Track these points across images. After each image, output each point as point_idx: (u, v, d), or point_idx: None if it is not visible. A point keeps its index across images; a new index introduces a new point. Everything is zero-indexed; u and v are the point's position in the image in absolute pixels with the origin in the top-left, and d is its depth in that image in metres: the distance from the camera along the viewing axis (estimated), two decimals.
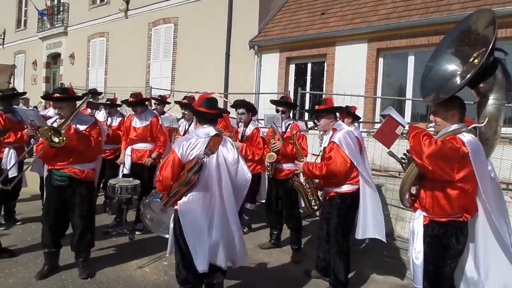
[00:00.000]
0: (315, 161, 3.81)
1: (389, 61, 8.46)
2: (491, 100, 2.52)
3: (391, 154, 2.93)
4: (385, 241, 3.69)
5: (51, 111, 5.77)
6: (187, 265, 2.96)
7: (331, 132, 3.69)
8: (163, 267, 4.09)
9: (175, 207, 2.97)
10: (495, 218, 2.47)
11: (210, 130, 3.01)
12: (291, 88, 9.39)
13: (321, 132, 3.95)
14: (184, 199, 2.91)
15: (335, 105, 3.93)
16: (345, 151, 3.48)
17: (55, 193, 3.69)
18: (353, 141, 3.58)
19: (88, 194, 3.79)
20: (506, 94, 2.50)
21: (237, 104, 5.09)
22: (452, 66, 2.70)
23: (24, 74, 18.40)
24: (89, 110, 6.24)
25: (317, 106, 3.84)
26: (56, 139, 3.34)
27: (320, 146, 3.91)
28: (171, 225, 3.06)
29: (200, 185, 2.92)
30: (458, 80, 2.60)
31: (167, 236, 3.32)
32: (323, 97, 8.80)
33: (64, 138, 3.32)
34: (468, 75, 2.45)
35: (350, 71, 8.49)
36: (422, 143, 2.43)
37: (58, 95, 3.62)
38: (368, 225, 3.62)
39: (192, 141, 2.92)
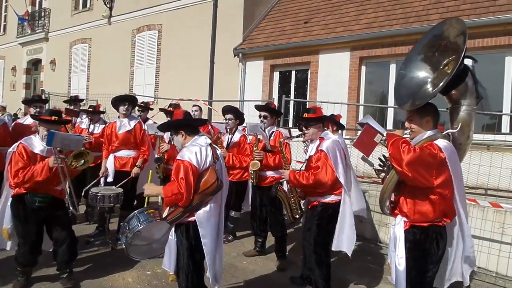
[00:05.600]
0: (300, 169, 3.78)
1: (371, 69, 8.62)
2: (464, 106, 2.60)
3: (364, 159, 3.01)
4: (350, 255, 3.63)
5: (29, 119, 5.63)
6: (201, 275, 2.95)
7: (317, 141, 3.66)
8: (146, 276, 4.04)
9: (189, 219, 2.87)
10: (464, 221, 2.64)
11: (205, 138, 2.99)
12: (275, 95, 9.46)
13: (307, 140, 3.90)
14: (205, 208, 2.84)
15: (324, 114, 3.86)
16: (331, 161, 3.47)
17: (34, 215, 3.61)
18: (340, 152, 3.57)
19: (64, 209, 3.87)
20: (476, 100, 2.59)
21: (226, 110, 5.07)
22: (423, 73, 2.77)
23: (3, 80, 17.97)
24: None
25: (306, 114, 3.75)
26: (81, 162, 3.60)
27: (305, 153, 3.89)
28: (173, 239, 2.94)
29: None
30: (430, 87, 2.67)
31: (161, 253, 3.20)
32: (307, 104, 8.90)
33: (89, 159, 3.62)
34: (441, 83, 2.52)
35: (334, 79, 8.61)
36: (401, 150, 2.47)
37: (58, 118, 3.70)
38: (343, 238, 3.60)
39: (202, 149, 2.84)
